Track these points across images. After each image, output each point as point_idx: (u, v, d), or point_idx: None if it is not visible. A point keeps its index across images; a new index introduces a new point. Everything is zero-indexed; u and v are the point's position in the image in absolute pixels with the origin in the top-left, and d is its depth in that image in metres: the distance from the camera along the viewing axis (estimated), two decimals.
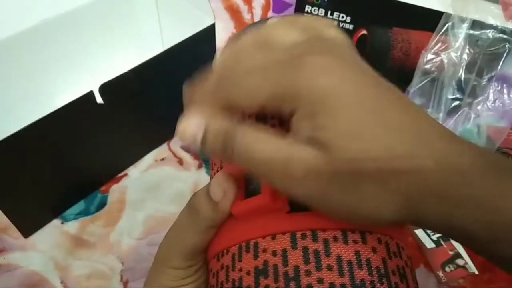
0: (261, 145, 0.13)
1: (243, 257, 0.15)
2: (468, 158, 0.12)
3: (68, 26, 0.38)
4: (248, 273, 0.14)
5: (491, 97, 0.37)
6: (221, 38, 0.40)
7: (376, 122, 0.12)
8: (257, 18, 0.50)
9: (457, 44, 0.36)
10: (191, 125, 0.15)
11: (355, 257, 0.14)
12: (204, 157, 0.39)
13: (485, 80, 0.37)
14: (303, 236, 0.14)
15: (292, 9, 0.47)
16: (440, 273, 0.32)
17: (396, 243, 0.15)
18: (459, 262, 0.33)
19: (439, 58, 0.37)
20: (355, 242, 0.14)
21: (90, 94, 0.30)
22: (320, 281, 0.13)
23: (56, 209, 0.35)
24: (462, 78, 0.37)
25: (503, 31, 0.36)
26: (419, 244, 0.34)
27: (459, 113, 0.37)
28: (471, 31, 0.36)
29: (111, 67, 0.32)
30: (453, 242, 0.34)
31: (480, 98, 0.37)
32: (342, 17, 0.42)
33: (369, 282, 0.13)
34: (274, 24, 0.15)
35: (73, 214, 0.35)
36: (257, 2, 0.51)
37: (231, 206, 0.16)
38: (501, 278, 0.33)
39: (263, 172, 0.14)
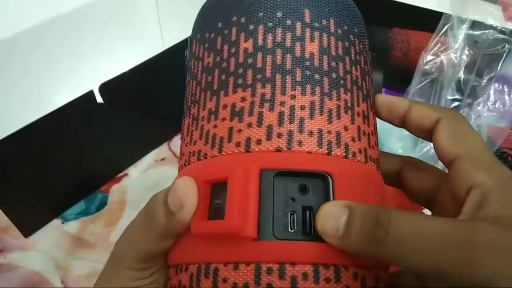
0: (427, 220, 0.12)
1: (201, 282, 0.13)
2: None
3: (68, 26, 0.38)
4: None
5: (491, 97, 0.37)
6: None
7: None
8: None
9: (456, 45, 0.36)
10: (334, 207, 0.13)
11: None
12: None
13: (485, 80, 0.37)
14: (269, 271, 0.13)
15: None
16: None
17: (374, 275, 0.14)
18: None
19: (438, 59, 0.37)
20: (327, 280, 0.13)
21: (90, 94, 0.30)
22: None
23: (56, 209, 0.35)
24: (462, 79, 0.37)
25: (502, 31, 0.36)
26: None
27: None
28: (471, 32, 0.36)
29: (111, 67, 0.32)
30: None
31: (480, 99, 0.37)
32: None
33: None
34: None
35: (73, 214, 0.35)
36: None
37: (191, 222, 0.14)
38: None
39: (430, 251, 0.11)
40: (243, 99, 0.15)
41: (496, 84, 0.37)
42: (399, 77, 0.41)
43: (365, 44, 0.18)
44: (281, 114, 0.14)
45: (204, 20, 0.18)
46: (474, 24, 0.36)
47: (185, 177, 0.15)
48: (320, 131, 0.14)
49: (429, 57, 0.37)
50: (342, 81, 0.16)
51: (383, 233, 0.12)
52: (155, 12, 0.43)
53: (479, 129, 0.37)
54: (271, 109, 0.15)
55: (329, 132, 0.15)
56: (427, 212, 0.19)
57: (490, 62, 0.37)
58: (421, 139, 0.36)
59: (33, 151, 0.30)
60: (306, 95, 0.15)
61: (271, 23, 0.16)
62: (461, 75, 0.37)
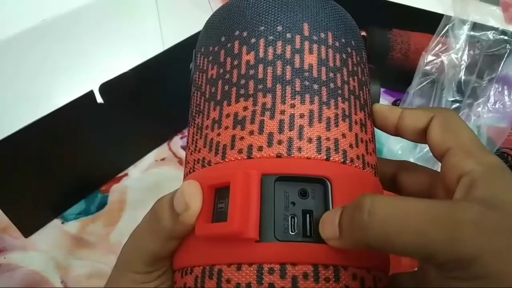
0: (410, 201, 0.12)
1: (205, 284, 0.14)
2: None
3: (68, 26, 0.38)
4: None
5: (491, 98, 0.37)
6: None
7: None
8: None
9: (457, 46, 0.36)
10: (330, 212, 0.14)
11: None
12: None
13: (485, 81, 0.37)
14: (271, 271, 0.13)
15: None
16: None
17: (372, 276, 0.14)
18: None
19: (439, 60, 0.37)
20: (326, 280, 0.13)
21: (90, 94, 0.30)
22: None
23: (56, 209, 0.35)
24: (462, 80, 0.37)
25: (503, 32, 0.36)
26: None
27: (459, 114, 0.37)
28: (472, 33, 0.36)
29: (111, 67, 0.32)
30: None
31: (480, 100, 0.37)
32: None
33: None
34: None
35: (73, 214, 0.35)
36: None
37: (196, 224, 0.14)
38: None
39: (414, 231, 0.12)
40: (245, 108, 0.16)
41: (497, 85, 0.37)
42: (398, 78, 0.41)
43: (362, 56, 0.19)
44: (281, 122, 0.15)
45: (208, 35, 0.19)
46: (475, 25, 0.36)
47: (191, 180, 0.15)
48: (319, 138, 0.15)
49: (430, 58, 0.37)
50: (340, 91, 0.16)
51: (365, 216, 0.12)
52: (155, 12, 0.43)
53: (479, 129, 0.37)
54: (272, 117, 0.15)
55: (327, 139, 0.15)
56: None
57: (491, 63, 0.37)
58: None
59: (33, 151, 0.30)
60: (305, 104, 0.15)
61: (271, 37, 0.16)
62: (462, 76, 0.37)
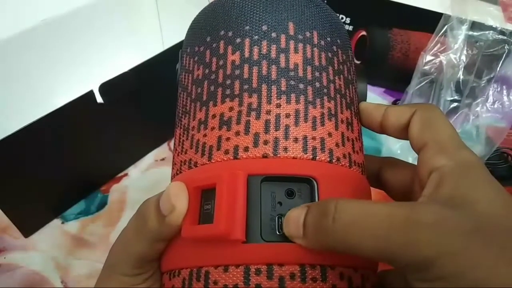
0: (373, 206, 0.12)
1: (193, 285, 0.14)
2: None
3: (68, 26, 0.38)
4: None
5: (490, 98, 0.37)
6: None
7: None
8: None
9: (456, 46, 0.36)
10: (296, 210, 0.14)
11: None
12: None
13: (484, 81, 0.37)
14: (258, 272, 0.13)
15: None
16: None
17: (360, 275, 0.14)
18: None
19: (438, 60, 0.37)
20: (313, 280, 0.13)
21: (90, 93, 0.30)
22: None
23: (56, 209, 0.35)
24: (461, 80, 0.37)
25: (502, 32, 0.36)
26: None
27: (458, 114, 0.38)
28: (470, 32, 0.36)
29: (111, 67, 0.32)
30: None
31: (479, 100, 0.37)
32: (342, 18, 0.42)
33: None
34: None
35: (73, 214, 0.35)
36: None
37: (182, 226, 0.14)
38: None
39: (375, 236, 0.12)
40: (231, 109, 0.16)
41: (495, 85, 0.38)
42: (399, 78, 0.42)
43: (348, 54, 0.19)
44: (267, 122, 0.15)
45: (193, 35, 0.19)
46: (474, 25, 0.36)
47: (176, 182, 0.15)
48: (305, 137, 0.15)
49: (429, 58, 0.37)
50: (325, 90, 0.16)
51: (330, 222, 0.12)
52: (155, 12, 0.43)
53: (478, 129, 0.37)
54: (258, 117, 0.15)
55: (313, 138, 0.15)
56: None
57: (489, 63, 0.37)
58: None
59: (33, 151, 0.30)
60: (291, 104, 0.15)
61: (257, 36, 0.16)
62: (460, 75, 0.37)
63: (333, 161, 0.15)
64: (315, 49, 0.17)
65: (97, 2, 0.39)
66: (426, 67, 0.37)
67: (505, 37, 0.36)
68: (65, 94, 0.31)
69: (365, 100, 0.19)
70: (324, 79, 0.16)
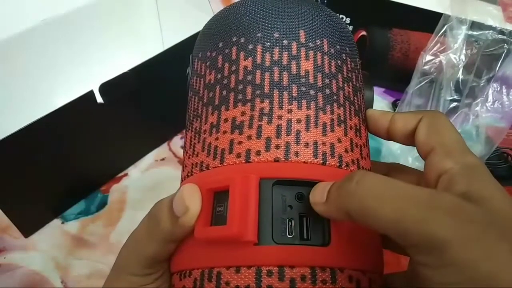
0: (397, 181, 0.13)
1: (204, 286, 0.14)
2: None
3: (68, 26, 0.38)
4: None
5: (490, 98, 0.38)
6: None
7: None
8: None
9: (455, 46, 0.36)
10: (324, 182, 0.14)
11: None
12: None
13: (483, 81, 0.37)
14: (269, 273, 0.13)
15: None
16: None
17: (368, 278, 0.15)
18: None
19: (437, 59, 0.37)
20: (323, 282, 0.13)
21: (90, 93, 0.30)
22: None
23: (56, 209, 0.35)
24: (461, 79, 0.37)
25: (501, 32, 0.36)
26: None
27: (458, 114, 0.38)
28: (470, 32, 0.36)
29: (111, 67, 0.32)
30: None
31: (479, 99, 0.37)
32: (342, 18, 0.42)
33: None
34: None
35: (73, 214, 0.35)
36: None
37: (195, 227, 0.15)
38: None
39: (394, 206, 0.12)
40: (243, 113, 0.16)
41: (495, 85, 0.38)
42: (398, 78, 0.42)
43: (356, 62, 0.19)
44: (278, 127, 0.15)
45: (205, 40, 0.19)
46: (474, 25, 0.36)
47: (190, 183, 0.15)
48: (316, 142, 0.15)
49: (428, 57, 0.37)
50: (335, 97, 0.17)
51: (353, 184, 0.13)
52: (155, 12, 0.43)
53: (477, 129, 0.37)
54: (270, 122, 0.15)
55: (323, 143, 0.15)
56: None
57: (489, 63, 0.37)
58: None
59: (33, 151, 0.30)
60: (302, 109, 0.16)
61: (268, 43, 0.17)
62: (460, 75, 0.37)
63: (343, 166, 0.15)
64: (325, 56, 0.17)
65: (97, 2, 0.39)
66: (426, 67, 0.37)
67: (504, 37, 0.36)
68: (65, 94, 0.31)
69: (372, 107, 0.19)
70: (334, 86, 0.17)
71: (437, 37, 0.37)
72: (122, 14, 0.42)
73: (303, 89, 0.16)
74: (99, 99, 0.31)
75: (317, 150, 0.15)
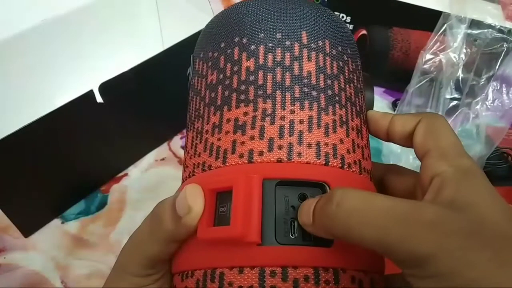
0: (377, 197, 0.13)
1: (207, 287, 0.14)
2: None
3: (68, 26, 0.38)
4: None
5: (490, 97, 0.38)
6: None
7: None
8: None
9: (455, 44, 0.36)
10: (308, 201, 0.14)
11: None
12: None
13: (483, 79, 0.37)
14: (272, 274, 0.13)
15: None
16: None
17: (370, 278, 0.15)
18: None
19: (437, 58, 0.37)
20: (326, 283, 0.14)
21: (90, 93, 0.30)
22: None
23: (56, 208, 0.35)
24: (460, 78, 0.37)
25: (501, 30, 0.36)
26: None
27: (458, 112, 0.38)
28: (470, 31, 0.36)
29: (111, 67, 0.32)
30: None
31: (479, 98, 0.37)
32: (342, 17, 0.42)
33: None
34: None
35: (73, 214, 0.35)
36: None
37: (198, 228, 0.15)
38: None
39: (375, 225, 0.12)
40: (245, 114, 0.16)
41: (495, 83, 0.38)
42: (399, 77, 0.42)
43: (357, 63, 0.19)
44: (281, 128, 0.15)
45: (207, 40, 0.19)
46: (473, 23, 0.36)
47: (193, 184, 0.15)
48: (318, 143, 0.15)
49: (428, 56, 0.37)
50: (337, 98, 0.17)
51: (334, 207, 0.13)
52: (155, 12, 0.43)
53: (477, 128, 0.37)
54: (272, 123, 0.15)
55: (326, 144, 0.15)
56: None
57: (488, 61, 0.37)
58: None
59: (33, 151, 0.30)
60: (304, 110, 0.16)
61: (271, 44, 0.17)
62: (460, 74, 0.37)
63: (345, 167, 0.15)
64: (327, 57, 0.17)
65: (97, 2, 0.39)
66: (425, 66, 0.37)
67: (504, 35, 0.36)
68: (65, 94, 0.31)
69: (372, 108, 0.19)
70: (336, 87, 0.17)
71: (436, 36, 0.37)
72: (122, 14, 0.42)
73: (306, 90, 0.16)
74: (99, 99, 0.31)
75: (320, 151, 0.15)
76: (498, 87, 0.38)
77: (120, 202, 0.36)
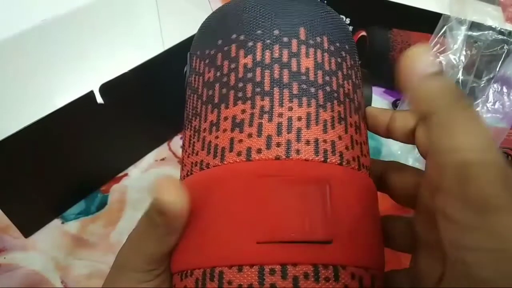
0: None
1: (207, 285, 0.14)
2: None
3: (68, 26, 0.38)
4: None
5: (490, 98, 0.38)
6: None
7: None
8: None
9: (455, 46, 0.36)
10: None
11: None
12: None
13: (484, 81, 0.37)
14: (272, 272, 0.13)
15: None
16: None
17: (370, 275, 0.15)
18: None
19: (437, 60, 0.37)
20: (326, 280, 0.13)
21: (90, 94, 0.30)
22: None
23: (56, 209, 0.35)
24: (461, 80, 0.37)
25: (501, 32, 0.36)
26: None
27: None
28: (470, 33, 0.36)
29: (111, 67, 0.32)
30: None
31: (479, 100, 0.37)
32: (342, 18, 0.42)
33: None
34: None
35: (73, 214, 0.35)
36: None
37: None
38: None
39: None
40: (243, 111, 0.16)
41: (495, 85, 0.38)
42: None
43: (355, 59, 0.19)
44: (279, 125, 0.15)
45: (204, 37, 0.19)
46: (473, 25, 0.36)
47: (161, 178, 0.15)
48: (316, 140, 0.15)
49: None
50: (335, 94, 0.17)
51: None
52: (155, 12, 0.43)
53: None
54: (270, 120, 0.15)
55: (324, 141, 0.15)
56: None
57: (489, 63, 0.37)
58: None
59: (33, 152, 0.30)
60: (302, 107, 0.16)
61: (269, 40, 0.17)
62: (460, 76, 0.37)
63: (343, 163, 0.15)
64: (326, 54, 0.17)
65: (97, 2, 0.39)
66: None
67: (504, 37, 0.36)
68: (65, 94, 0.31)
69: (370, 105, 0.19)
70: (334, 84, 0.17)
71: (436, 38, 0.37)
72: (122, 14, 0.42)
73: (304, 87, 0.16)
74: (100, 100, 0.31)
75: (318, 148, 0.15)
76: (499, 89, 0.38)
77: (120, 202, 0.36)
